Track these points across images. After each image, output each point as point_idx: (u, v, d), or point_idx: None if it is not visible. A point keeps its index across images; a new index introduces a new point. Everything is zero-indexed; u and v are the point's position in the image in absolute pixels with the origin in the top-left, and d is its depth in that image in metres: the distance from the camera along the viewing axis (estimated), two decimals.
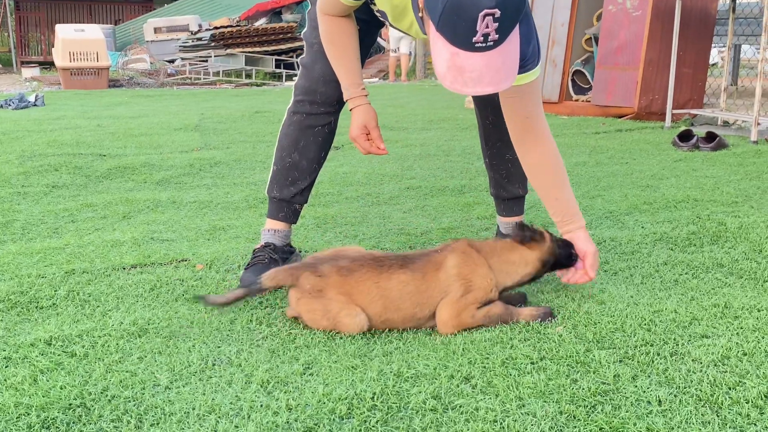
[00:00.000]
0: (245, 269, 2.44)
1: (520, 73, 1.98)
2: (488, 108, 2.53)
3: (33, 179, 4.00)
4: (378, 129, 2.29)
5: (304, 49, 2.50)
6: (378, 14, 2.29)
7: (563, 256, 2.17)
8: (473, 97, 2.58)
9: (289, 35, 12.30)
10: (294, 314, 2.05)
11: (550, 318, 2.04)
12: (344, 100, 2.34)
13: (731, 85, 7.31)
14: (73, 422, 1.53)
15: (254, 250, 2.51)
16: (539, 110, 2.23)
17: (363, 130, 2.27)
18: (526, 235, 2.12)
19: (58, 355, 1.84)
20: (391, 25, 2.32)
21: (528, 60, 2.07)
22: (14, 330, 2.00)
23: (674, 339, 1.88)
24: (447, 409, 1.57)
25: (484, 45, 1.68)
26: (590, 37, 7.24)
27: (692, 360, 1.77)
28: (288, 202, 2.53)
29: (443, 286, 2.00)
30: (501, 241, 2.16)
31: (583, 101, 7.13)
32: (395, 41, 13.20)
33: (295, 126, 2.49)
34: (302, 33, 2.54)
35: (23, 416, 1.54)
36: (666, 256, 2.60)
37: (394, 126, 6.34)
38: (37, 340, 1.91)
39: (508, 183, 2.65)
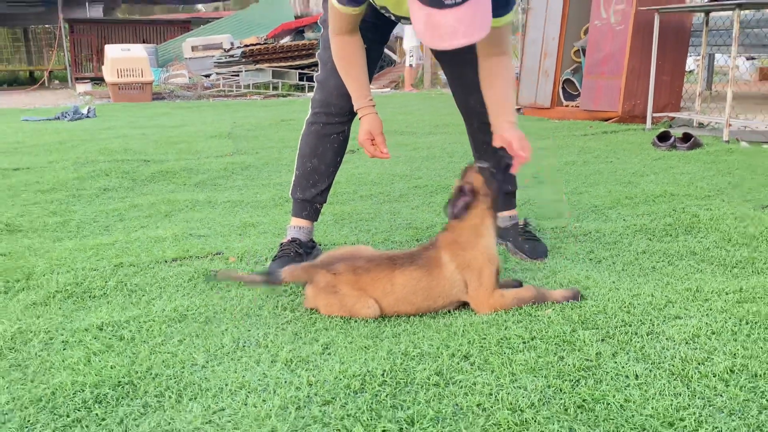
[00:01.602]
0: (273, 261, 2.46)
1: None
2: (473, 116, 2.54)
3: (86, 183, 4.04)
4: (382, 136, 2.30)
5: (319, 67, 2.52)
6: (383, 12, 2.28)
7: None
8: (458, 103, 2.57)
9: (311, 51, 12.30)
10: (311, 306, 2.07)
11: (579, 298, 2.03)
12: (354, 110, 2.36)
13: (705, 90, 7.25)
14: (122, 398, 1.56)
15: (281, 244, 2.53)
16: (507, 49, 2.20)
17: (368, 136, 2.29)
18: (459, 210, 2.01)
19: (109, 338, 1.87)
20: (396, 18, 2.31)
21: (499, 8, 2.03)
22: (71, 317, 2.04)
23: (650, 320, 1.89)
24: (448, 384, 1.58)
25: (453, 3, 1.69)
26: (578, 49, 7.19)
27: (666, 338, 1.77)
28: (310, 202, 2.56)
29: (451, 280, 1.99)
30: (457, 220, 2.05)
31: (572, 107, 7.09)
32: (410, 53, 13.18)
33: (313, 135, 2.52)
34: (317, 54, 2.55)
35: (78, 392, 1.57)
36: (645, 246, 2.60)
37: (403, 131, 6.34)
38: (90, 325, 1.94)
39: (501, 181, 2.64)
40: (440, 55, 2.53)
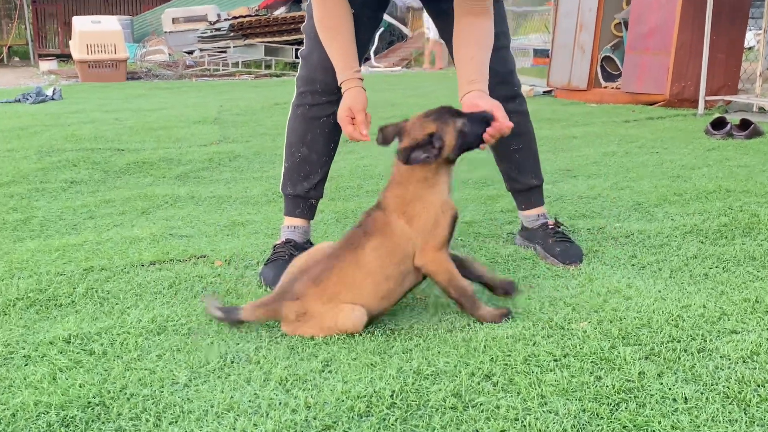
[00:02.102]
0: (265, 265, 2.47)
1: None
2: None
3: (51, 175, 4.07)
4: (363, 113, 2.26)
5: (304, 42, 2.53)
6: None
7: (473, 132, 2.06)
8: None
9: None
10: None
11: (506, 318, 2.03)
12: (338, 84, 2.33)
13: (767, 69, 7.22)
14: (92, 420, 1.57)
15: (274, 246, 2.54)
16: (487, 8, 2.27)
17: (348, 113, 2.26)
18: (415, 161, 1.98)
19: (77, 353, 1.88)
20: None
21: None
22: (33, 328, 2.05)
23: (702, 335, 1.89)
24: (467, 407, 1.59)
25: None
26: (619, 22, 7.18)
27: (720, 356, 1.77)
28: (303, 198, 2.57)
29: (405, 237, 2.01)
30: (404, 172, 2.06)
31: (612, 88, 7.08)
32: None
33: (300, 119, 2.53)
34: (302, 26, 2.57)
35: (42, 414, 1.59)
36: (696, 249, 2.60)
37: None
38: (56, 338, 1.96)
39: (519, 174, 2.66)
40: (439, 23, 2.52)
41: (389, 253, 2.01)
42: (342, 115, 2.27)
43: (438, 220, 2.03)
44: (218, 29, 12.48)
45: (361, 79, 2.31)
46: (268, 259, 2.49)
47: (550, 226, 2.66)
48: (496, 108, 2.10)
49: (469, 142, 2.06)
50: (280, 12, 13.44)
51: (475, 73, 2.20)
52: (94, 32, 11.00)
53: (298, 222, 2.58)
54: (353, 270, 2.00)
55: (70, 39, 12.13)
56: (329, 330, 1.98)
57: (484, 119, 2.07)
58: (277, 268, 2.32)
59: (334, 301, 1.98)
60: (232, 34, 12.19)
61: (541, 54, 11.22)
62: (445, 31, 2.49)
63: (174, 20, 14.02)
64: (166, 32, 14.02)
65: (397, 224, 2.02)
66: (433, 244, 2.02)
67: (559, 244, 2.56)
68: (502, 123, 2.08)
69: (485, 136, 2.08)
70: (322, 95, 2.48)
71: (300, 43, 12.38)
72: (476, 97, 2.15)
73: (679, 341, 1.86)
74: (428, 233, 2.02)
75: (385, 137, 2.09)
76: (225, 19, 13.14)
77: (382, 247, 2.01)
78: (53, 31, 16.88)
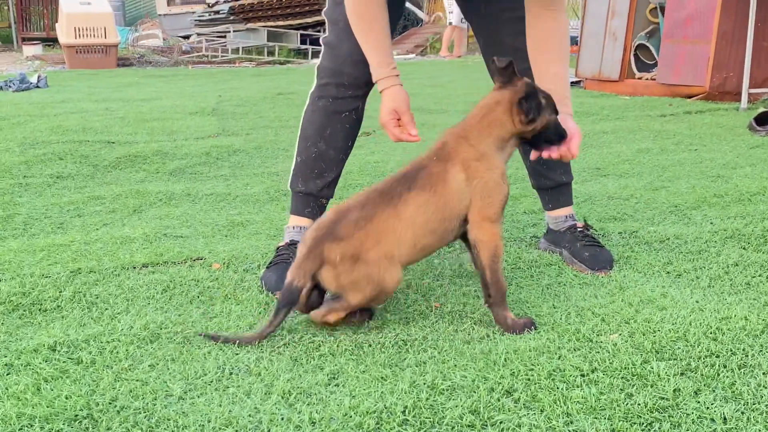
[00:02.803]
0: (267, 268, 2.48)
1: None
2: None
3: (35, 169, 4.10)
4: (410, 114, 2.32)
5: (327, 27, 2.54)
6: None
7: (553, 135, 2.20)
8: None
9: (316, 7, 12.36)
10: (327, 316, 2.07)
11: (530, 329, 2.07)
12: (373, 81, 2.37)
13: None
14: None
15: (277, 248, 2.56)
16: (561, 5, 2.35)
17: (393, 116, 2.31)
18: (533, 111, 2.10)
19: (63, 361, 1.90)
20: None
21: None
22: (16, 334, 2.07)
23: (743, 349, 1.89)
24: (486, 425, 1.59)
25: None
26: (655, 7, 7.17)
27: (763, 373, 1.77)
28: (314, 196, 2.58)
29: (459, 194, 2.08)
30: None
31: (647, 79, 7.07)
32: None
33: (321, 112, 2.53)
34: (324, 11, 2.58)
35: (26, 428, 1.60)
36: (737, 256, 2.59)
37: (432, 109, 6.36)
38: (40, 345, 1.97)
39: (548, 170, 2.67)
40: (470, 14, 2.54)
41: (437, 209, 2.08)
42: (386, 118, 2.30)
43: (498, 186, 2.11)
44: (217, 12, 12.55)
45: (398, 75, 2.34)
46: (271, 262, 2.51)
47: (579, 229, 2.66)
48: (576, 135, 2.23)
49: (543, 137, 2.18)
50: None
51: (561, 93, 2.28)
52: (82, 14, 11.06)
53: (305, 222, 2.58)
54: (394, 221, 2.05)
55: (57, 21, 12.20)
56: (375, 284, 2.02)
57: (562, 136, 2.21)
58: (279, 272, 2.33)
59: (376, 247, 2.03)
60: (232, 18, 12.24)
61: (570, 41, 11.21)
62: (469, 13, 2.51)
63: (169, 2, 14.11)
64: (160, 15, 14.11)
65: (455, 178, 2.08)
66: (489, 213, 2.10)
67: (587, 249, 2.57)
68: (571, 150, 2.22)
69: (552, 148, 2.22)
70: (348, 89, 2.50)
71: (305, 28, 12.40)
72: (564, 120, 2.24)
73: (718, 356, 1.86)
74: (486, 197, 2.10)
75: (500, 72, 2.14)
76: (225, 1, 13.19)
77: (430, 203, 2.07)
78: (38, 12, 16.98)
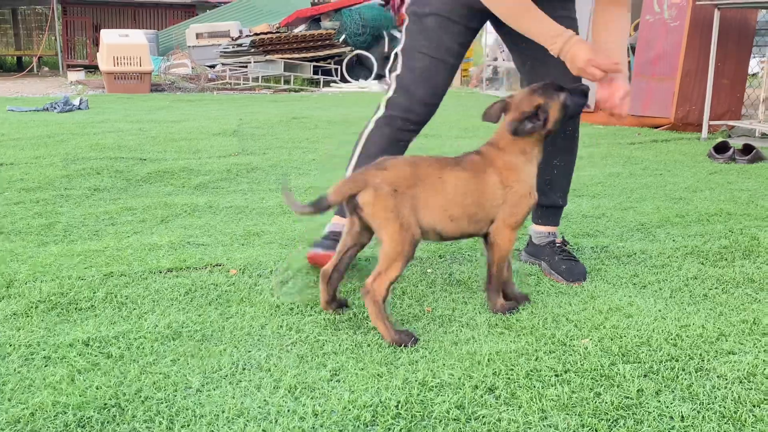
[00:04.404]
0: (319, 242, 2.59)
1: None
2: None
3: (75, 182, 4.09)
4: (599, 58, 2.26)
5: (401, 66, 2.56)
6: None
7: (575, 103, 2.22)
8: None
9: (328, 42, 12.37)
10: (370, 214, 2.01)
11: (511, 311, 2.18)
12: (557, 50, 2.26)
13: None
14: (108, 422, 1.58)
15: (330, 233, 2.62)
16: (626, 1, 2.42)
17: (593, 62, 2.24)
18: (523, 131, 2.13)
19: (95, 355, 1.89)
20: None
21: None
22: (54, 330, 2.07)
23: (700, 354, 1.88)
24: (470, 419, 1.58)
25: None
26: (627, 47, 7.17)
27: (717, 376, 1.76)
28: None
29: (493, 193, 2.12)
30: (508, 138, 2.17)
31: (627, 86, 7.06)
32: None
33: (386, 138, 2.56)
34: (398, 48, 2.61)
35: (60, 415, 1.60)
36: (696, 270, 2.59)
37: (427, 133, 6.33)
38: (75, 340, 1.97)
39: (550, 190, 2.67)
40: (501, 28, 2.53)
41: (475, 191, 2.10)
42: (589, 65, 2.23)
43: (525, 198, 2.16)
44: (240, 45, 12.55)
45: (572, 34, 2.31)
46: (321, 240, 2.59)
47: (557, 244, 2.65)
48: (622, 88, 2.31)
49: (571, 113, 2.22)
50: (300, 30, 13.50)
51: (614, 53, 2.35)
52: (121, 45, 11.07)
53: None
54: (436, 180, 2.07)
55: (98, 51, 12.23)
56: (400, 220, 1.99)
57: (584, 92, 2.23)
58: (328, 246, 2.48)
59: (413, 190, 2.02)
60: (253, 50, 12.25)
61: None
62: (520, 61, 2.61)
63: (198, 35, 14.12)
64: (189, 47, 14.11)
65: (493, 178, 2.12)
66: (511, 222, 2.15)
67: (564, 262, 2.56)
68: (621, 108, 2.32)
69: (601, 103, 2.31)
70: (413, 124, 2.56)
71: (317, 60, 12.39)
72: (619, 78, 2.31)
73: (677, 360, 1.85)
74: (513, 206, 2.14)
75: (490, 115, 2.20)
76: (247, 36, 13.21)
77: (471, 182, 2.10)
78: (82, 42, 17.01)
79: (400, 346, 1.95)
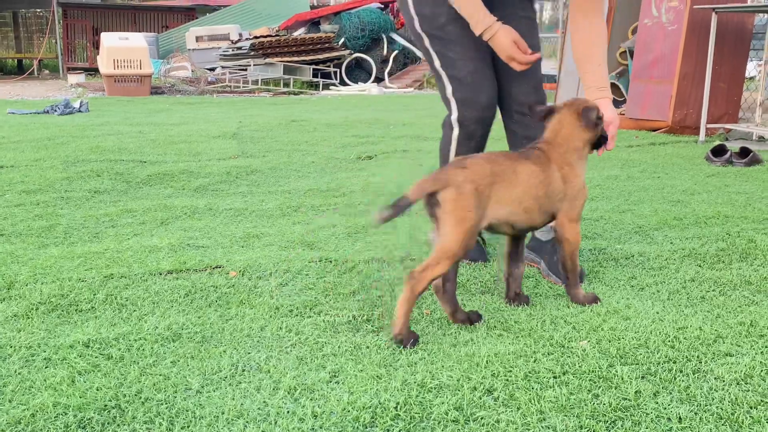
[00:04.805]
0: None
1: None
2: (513, 108, 2.69)
3: (76, 184, 4.10)
4: (523, 41, 2.43)
5: (449, 84, 2.61)
6: None
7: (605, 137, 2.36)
8: (499, 90, 2.68)
9: (327, 45, 12.39)
10: (454, 210, 2.03)
11: (596, 302, 2.27)
12: (480, 31, 2.43)
13: (767, 99, 7.20)
14: (108, 423, 1.58)
15: None
16: (601, 9, 2.52)
17: (515, 46, 2.40)
18: (591, 121, 2.25)
19: (96, 357, 1.89)
20: None
21: None
22: (54, 332, 2.07)
23: (697, 356, 1.88)
24: (469, 421, 1.59)
25: None
26: (625, 51, 7.19)
27: (715, 378, 1.76)
28: None
29: (557, 186, 2.20)
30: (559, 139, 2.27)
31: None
32: None
33: (473, 147, 2.63)
34: (437, 70, 2.64)
35: (61, 416, 1.60)
36: (693, 273, 2.59)
37: (428, 136, 6.36)
38: (75, 342, 1.97)
39: None
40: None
41: (543, 183, 2.17)
42: (513, 49, 2.40)
43: (581, 191, 2.26)
44: (240, 48, 12.56)
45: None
46: None
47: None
48: (616, 120, 2.42)
49: (601, 139, 2.33)
50: (300, 33, 13.51)
51: (603, 81, 2.47)
52: (121, 48, 11.08)
53: None
54: (512, 174, 2.12)
55: (98, 54, 12.23)
56: (475, 218, 2.03)
57: (606, 136, 2.37)
58: (476, 249, 2.63)
59: (491, 185, 2.07)
60: (252, 53, 12.26)
61: (549, 79, 11.22)
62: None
63: (198, 38, 14.13)
64: (189, 49, 14.12)
65: (556, 173, 2.20)
66: (573, 214, 2.25)
67: None
68: (610, 145, 2.40)
69: (609, 144, 2.40)
70: (488, 127, 2.64)
71: (317, 63, 12.38)
72: (605, 105, 2.41)
73: (675, 362, 1.85)
74: (572, 200, 2.24)
75: (537, 113, 2.32)
76: (246, 39, 13.22)
77: (539, 175, 2.17)
78: (82, 45, 17.03)
79: (400, 343, 1.96)
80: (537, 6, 2.70)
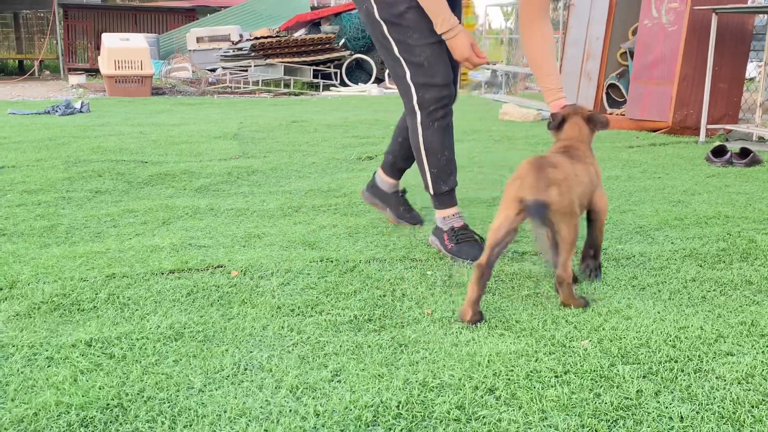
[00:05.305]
0: (458, 244, 2.78)
1: None
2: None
3: (77, 184, 4.10)
4: (475, 43, 2.70)
5: (408, 68, 2.76)
6: None
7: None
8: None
9: (327, 46, 12.38)
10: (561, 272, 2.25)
11: (585, 305, 2.28)
12: (443, 30, 2.65)
13: None
14: (111, 422, 1.58)
15: (459, 229, 2.83)
16: (548, 12, 2.73)
17: (472, 48, 2.66)
18: (602, 125, 2.59)
19: (98, 356, 1.89)
20: None
21: None
22: (57, 331, 2.07)
23: (699, 356, 1.88)
24: (470, 420, 1.59)
25: None
26: (625, 51, 7.19)
27: (716, 377, 1.76)
28: (454, 189, 2.91)
29: (593, 181, 2.44)
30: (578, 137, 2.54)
31: (617, 114, 7.09)
32: None
33: (438, 130, 2.81)
34: (397, 53, 2.77)
35: (63, 414, 1.60)
36: (695, 273, 2.59)
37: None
38: (78, 341, 1.97)
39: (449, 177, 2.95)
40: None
41: (590, 179, 2.40)
42: (469, 51, 2.66)
43: (600, 173, 2.52)
44: (240, 49, 12.55)
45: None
46: (460, 240, 2.79)
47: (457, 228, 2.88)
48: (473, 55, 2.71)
49: None
50: (300, 34, 13.51)
51: (560, 83, 2.71)
52: (122, 49, 11.08)
53: (457, 209, 2.91)
54: (572, 171, 2.30)
55: (99, 55, 12.23)
56: (575, 210, 2.25)
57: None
58: (473, 248, 2.74)
59: (571, 181, 2.26)
60: (253, 54, 12.25)
61: None
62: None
63: (198, 39, 14.13)
64: (190, 50, 14.12)
65: (591, 168, 2.44)
66: (602, 190, 2.50)
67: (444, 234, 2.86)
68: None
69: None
70: (449, 105, 2.79)
71: (317, 64, 12.40)
72: (562, 104, 2.66)
73: (676, 361, 1.85)
74: (600, 183, 2.49)
75: (554, 123, 2.57)
76: (247, 40, 13.21)
77: (586, 172, 2.39)
78: (83, 46, 17.02)
79: (585, 307, 2.24)
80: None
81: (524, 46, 2.74)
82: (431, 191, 2.91)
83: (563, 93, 2.73)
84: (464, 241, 2.79)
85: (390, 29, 2.74)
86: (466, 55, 2.67)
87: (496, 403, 1.65)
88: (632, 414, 1.60)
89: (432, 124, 2.78)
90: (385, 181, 3.29)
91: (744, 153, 4.90)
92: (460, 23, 2.69)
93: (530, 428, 1.55)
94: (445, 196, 2.91)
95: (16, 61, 18.21)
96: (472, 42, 2.67)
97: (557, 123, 2.57)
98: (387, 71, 12.95)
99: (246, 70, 12.22)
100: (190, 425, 1.57)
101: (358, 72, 12.82)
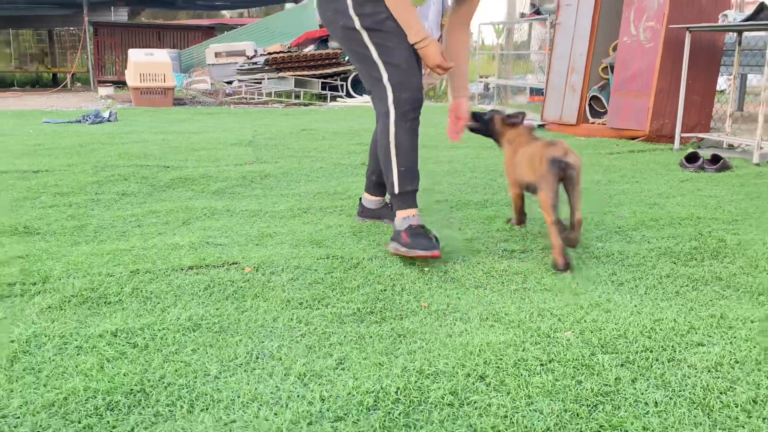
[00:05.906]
0: (415, 237, 2.68)
1: None
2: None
3: (105, 187, 4.10)
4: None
5: (385, 70, 2.73)
6: None
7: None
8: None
9: (334, 60, 12.37)
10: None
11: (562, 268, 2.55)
12: (416, 40, 2.68)
13: (737, 111, 7.19)
14: (134, 406, 1.58)
15: (416, 227, 2.75)
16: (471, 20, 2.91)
17: (442, 56, 2.70)
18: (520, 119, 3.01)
19: (123, 345, 1.89)
20: None
21: None
22: (85, 322, 2.07)
23: (672, 346, 1.88)
24: (463, 405, 1.58)
25: None
26: (606, 66, 7.18)
27: (688, 366, 1.76)
28: (416, 190, 2.83)
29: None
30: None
31: (599, 124, 7.07)
32: None
33: (410, 132, 2.78)
34: (375, 57, 2.74)
35: (91, 399, 1.60)
36: (669, 269, 2.58)
37: (427, 144, 6.35)
38: (104, 331, 1.97)
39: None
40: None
41: None
42: (440, 58, 2.69)
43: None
44: (255, 63, 12.55)
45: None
46: (417, 234, 2.70)
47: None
48: (466, 114, 2.96)
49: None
50: (309, 49, 13.50)
51: (466, 83, 2.92)
52: (146, 63, 11.08)
53: (416, 210, 2.81)
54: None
55: (126, 68, 12.23)
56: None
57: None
58: (431, 240, 2.66)
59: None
60: (266, 68, 12.25)
61: (537, 92, 11.23)
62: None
63: (216, 54, 14.12)
64: (209, 64, 14.12)
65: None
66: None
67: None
68: (459, 115, 2.96)
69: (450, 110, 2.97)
70: (419, 110, 2.78)
71: (325, 77, 12.40)
72: (465, 103, 2.93)
73: (651, 351, 1.85)
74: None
75: (477, 120, 3.01)
76: (261, 55, 13.21)
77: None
78: (111, 60, 17.02)
79: (566, 268, 2.56)
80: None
81: (446, 49, 2.87)
82: (396, 190, 2.78)
83: (468, 93, 2.94)
84: (420, 235, 2.69)
85: (371, 35, 2.70)
86: (437, 61, 2.69)
87: (487, 389, 1.65)
88: (611, 399, 1.59)
89: (404, 124, 2.73)
90: (371, 200, 3.28)
91: (715, 159, 4.89)
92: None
93: (518, 412, 1.54)
94: (408, 196, 2.80)
95: (51, 74, 18.23)
96: (441, 50, 2.70)
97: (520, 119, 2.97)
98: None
99: (260, 83, 12.22)
100: (207, 409, 1.57)
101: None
